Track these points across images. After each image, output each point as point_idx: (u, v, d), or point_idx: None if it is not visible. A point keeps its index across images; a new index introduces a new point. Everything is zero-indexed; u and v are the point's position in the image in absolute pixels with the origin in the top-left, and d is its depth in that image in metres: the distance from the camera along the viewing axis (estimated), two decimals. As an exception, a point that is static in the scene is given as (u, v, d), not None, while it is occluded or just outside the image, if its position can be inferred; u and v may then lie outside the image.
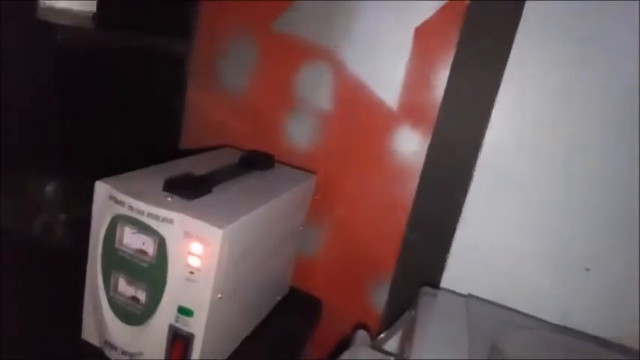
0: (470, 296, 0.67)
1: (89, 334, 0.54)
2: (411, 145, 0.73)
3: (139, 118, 0.76)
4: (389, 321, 0.71)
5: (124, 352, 0.51)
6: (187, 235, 0.47)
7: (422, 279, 0.71)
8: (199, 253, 0.47)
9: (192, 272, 0.47)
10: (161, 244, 0.48)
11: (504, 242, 0.70)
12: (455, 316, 0.59)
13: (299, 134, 0.78)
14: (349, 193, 0.77)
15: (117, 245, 0.50)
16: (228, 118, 0.81)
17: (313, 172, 0.72)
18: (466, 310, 0.61)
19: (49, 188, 0.70)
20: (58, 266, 0.65)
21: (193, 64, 0.82)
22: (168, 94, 0.82)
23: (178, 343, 0.49)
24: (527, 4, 0.64)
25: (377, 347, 0.60)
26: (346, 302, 0.78)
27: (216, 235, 0.46)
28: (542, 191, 0.68)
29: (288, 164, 0.73)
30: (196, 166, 0.59)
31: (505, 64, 0.66)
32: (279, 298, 0.71)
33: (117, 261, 0.50)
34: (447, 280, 0.71)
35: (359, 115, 0.75)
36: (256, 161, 0.67)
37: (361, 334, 0.59)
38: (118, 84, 0.70)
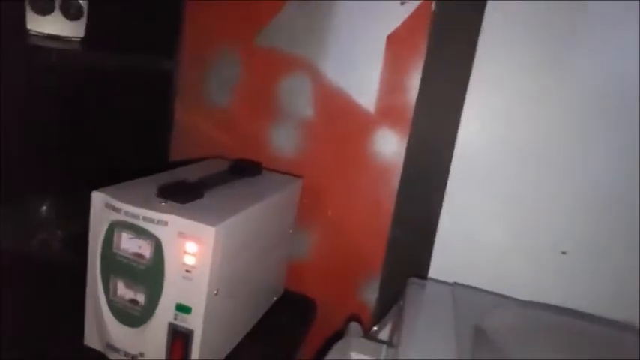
0: (455, 284, 0.70)
1: (91, 339, 0.56)
2: (390, 146, 0.77)
3: (129, 134, 0.79)
4: (381, 316, 0.74)
5: (126, 354, 0.53)
6: (182, 235, 0.50)
7: (410, 272, 0.74)
8: (194, 251, 0.50)
9: (188, 270, 0.50)
10: (157, 246, 0.50)
11: (484, 231, 0.74)
12: (441, 302, 0.62)
13: (284, 142, 0.81)
14: (335, 196, 0.80)
15: (114, 250, 0.52)
16: (215, 130, 0.84)
17: (300, 177, 0.75)
18: (452, 296, 0.64)
19: (45, 205, 0.72)
20: (57, 279, 0.67)
21: (179, 81, 0.86)
22: (156, 110, 0.85)
23: (178, 340, 0.51)
24: (488, 4, 0.69)
25: (370, 338, 0.62)
26: (339, 301, 0.80)
27: (209, 233, 0.49)
28: (516, 181, 0.72)
29: (275, 171, 0.76)
30: (187, 175, 0.62)
31: (471, 65, 0.71)
32: (274, 299, 0.74)
33: (115, 266, 0.53)
34: (434, 272, 0.75)
35: (340, 121, 0.79)
36: (244, 168, 0.70)
37: (354, 325, 0.62)
38: (107, 102, 0.73)
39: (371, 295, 0.79)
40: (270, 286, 0.72)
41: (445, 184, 0.74)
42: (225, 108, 0.84)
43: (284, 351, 0.67)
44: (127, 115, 0.78)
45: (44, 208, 0.74)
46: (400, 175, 0.77)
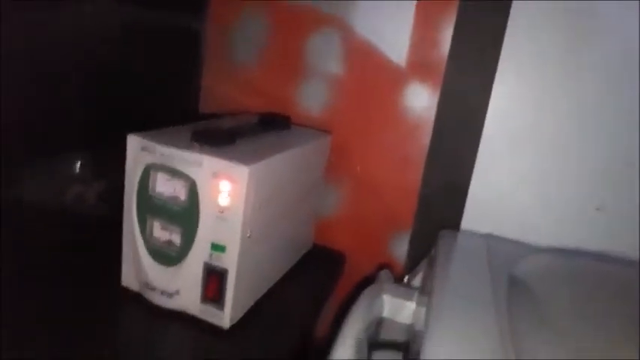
0: (489, 235, 0.69)
1: (128, 280, 0.58)
2: (421, 101, 0.75)
3: (160, 90, 0.80)
4: (411, 269, 0.74)
5: (162, 292, 0.55)
6: (216, 175, 0.50)
7: (441, 227, 0.73)
8: (228, 191, 0.50)
9: (222, 211, 0.51)
10: (192, 188, 0.51)
11: (518, 188, 0.72)
12: (474, 251, 0.62)
13: (312, 100, 0.81)
14: (364, 152, 0.79)
15: (150, 193, 0.54)
16: (243, 89, 0.85)
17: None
18: (485, 246, 0.63)
19: (80, 159, 0.74)
20: (93, 232, 0.69)
21: (207, 41, 0.86)
22: (184, 70, 0.86)
23: (213, 278, 0.52)
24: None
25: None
26: (368, 255, 0.81)
27: (243, 172, 0.49)
28: (552, 136, 0.70)
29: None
30: (219, 124, 0.63)
31: (507, 17, 0.69)
32: (303, 252, 0.74)
33: (151, 208, 0.54)
34: (466, 227, 0.74)
35: (369, 76, 0.78)
36: (274, 122, 0.70)
37: (385, 272, 0.62)
38: (138, 60, 0.74)
39: (401, 249, 0.79)
40: (299, 238, 0.72)
41: (478, 140, 0.73)
42: (252, 67, 0.84)
43: (313, 300, 0.67)
44: (157, 73, 0.78)
45: (79, 162, 0.76)
46: (431, 131, 0.76)
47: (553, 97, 0.69)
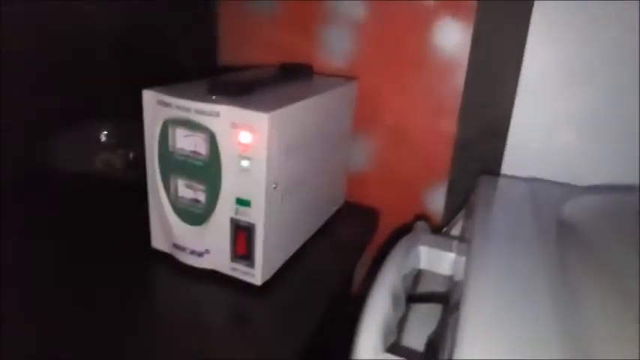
0: (532, 179, 0.64)
1: (158, 241, 0.57)
2: (453, 39, 0.69)
3: (177, 41, 0.77)
4: (449, 221, 0.70)
5: (192, 252, 0.53)
6: (235, 125, 0.48)
7: (480, 175, 0.69)
8: (249, 142, 0.47)
9: (244, 163, 0.48)
10: (212, 141, 0.49)
11: (562, 127, 0.66)
12: (517, 196, 0.57)
13: (335, 47, 0.76)
14: (394, 100, 0.75)
15: (171, 150, 0.52)
16: (263, 39, 0.81)
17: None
18: (529, 189, 0.58)
19: (106, 126, 0.73)
20: (122, 197, 0.69)
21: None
22: (201, 15, 0.82)
23: (241, 234, 0.51)
24: None
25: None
26: (403, 210, 0.77)
27: (262, 120, 0.46)
28: (596, 70, 0.63)
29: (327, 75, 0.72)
30: (237, 76, 0.60)
31: None
32: (334, 209, 0.72)
33: (173, 166, 0.52)
34: (507, 171, 0.69)
35: (396, 16, 0.72)
36: (295, 71, 0.66)
37: (421, 223, 0.59)
38: (156, 16, 0.72)
39: (437, 201, 0.75)
40: (330, 193, 0.69)
41: (517, 78, 0.67)
42: (271, 17, 0.79)
43: (347, 256, 0.65)
44: (174, 31, 0.76)
45: (105, 129, 0.75)
46: (465, 71, 0.70)
47: (597, 27, 0.62)
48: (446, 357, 0.35)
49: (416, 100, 0.74)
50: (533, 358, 0.32)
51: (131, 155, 0.73)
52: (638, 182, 0.63)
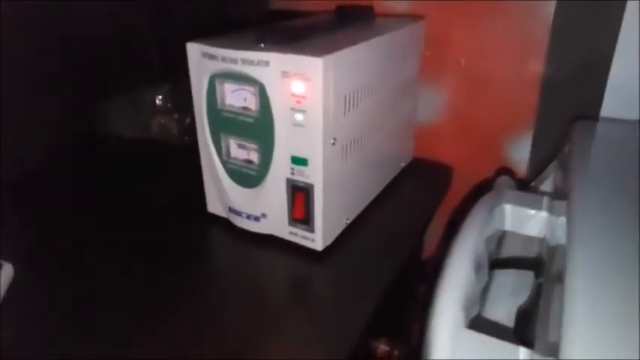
0: (637, 121, 0.53)
1: (214, 206, 0.54)
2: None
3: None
4: (537, 176, 0.61)
5: (248, 216, 0.50)
6: (286, 75, 0.42)
7: (574, 121, 0.59)
8: (302, 92, 0.42)
9: (298, 117, 0.43)
10: (262, 93, 0.44)
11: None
12: (621, 142, 0.47)
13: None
14: (467, 41, 0.65)
15: (220, 107, 0.47)
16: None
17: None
18: (636, 134, 0.48)
19: (161, 91, 0.71)
20: (178, 161, 0.67)
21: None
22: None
23: (299, 195, 0.46)
24: None
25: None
26: (481, 165, 0.68)
27: (316, 66, 0.40)
28: None
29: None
30: (289, 24, 0.54)
31: None
32: (402, 165, 0.65)
33: (223, 124, 0.48)
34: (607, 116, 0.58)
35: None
36: (354, 13, 0.59)
37: (504, 179, 0.51)
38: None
39: (522, 153, 0.66)
40: (396, 148, 0.63)
41: (623, 6, 0.55)
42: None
43: (416, 217, 0.59)
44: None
45: (160, 94, 0.73)
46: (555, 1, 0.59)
47: None
48: (550, 338, 0.28)
49: (495, 39, 0.64)
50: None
51: (187, 119, 0.71)
52: None
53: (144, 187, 0.61)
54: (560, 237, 0.38)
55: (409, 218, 0.56)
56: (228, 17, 0.73)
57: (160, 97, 0.73)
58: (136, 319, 0.40)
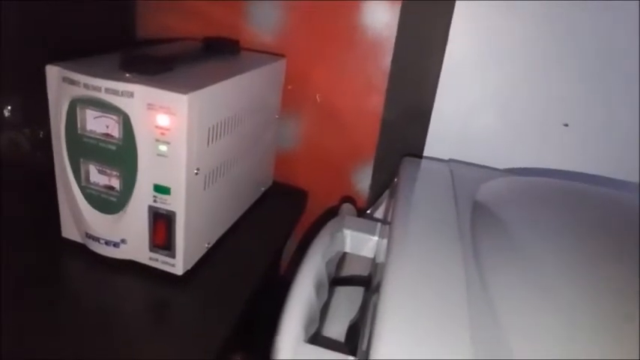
0: (452, 160, 0.66)
1: (69, 231, 0.53)
2: (380, 17, 0.69)
3: (91, 10, 0.70)
4: (374, 202, 0.71)
5: (107, 242, 0.50)
6: (151, 107, 0.44)
7: (404, 155, 0.70)
8: (167, 125, 0.44)
9: (162, 147, 0.45)
10: (125, 123, 0.45)
11: (482, 110, 0.69)
12: (437, 177, 0.59)
13: (263, 23, 0.73)
14: (323, 79, 0.74)
15: (80, 132, 0.47)
16: (185, 11, 0.76)
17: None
18: (449, 171, 0.60)
19: (10, 104, 0.66)
20: (28, 179, 0.63)
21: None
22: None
23: (160, 223, 0.48)
24: None
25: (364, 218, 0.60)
26: (331, 190, 0.77)
27: (181, 101, 0.43)
28: (517, 56, 0.66)
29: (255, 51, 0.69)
30: (155, 51, 0.55)
31: None
32: (262, 189, 0.70)
33: (83, 149, 0.48)
34: (429, 153, 0.71)
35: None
36: (220, 46, 0.63)
37: (347, 206, 0.59)
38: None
39: (364, 181, 0.76)
40: (257, 174, 0.68)
41: (441, 60, 0.68)
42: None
43: (275, 236, 0.64)
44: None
45: (8, 107, 0.68)
46: (392, 51, 0.70)
47: (519, 15, 0.64)
48: (365, 345, 0.35)
49: (344, 79, 0.73)
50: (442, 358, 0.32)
51: (41, 134, 0.67)
52: (554, 167, 0.67)
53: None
54: (382, 256, 0.46)
55: (266, 240, 0.62)
56: (92, 38, 0.70)
57: (9, 108, 0.68)
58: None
